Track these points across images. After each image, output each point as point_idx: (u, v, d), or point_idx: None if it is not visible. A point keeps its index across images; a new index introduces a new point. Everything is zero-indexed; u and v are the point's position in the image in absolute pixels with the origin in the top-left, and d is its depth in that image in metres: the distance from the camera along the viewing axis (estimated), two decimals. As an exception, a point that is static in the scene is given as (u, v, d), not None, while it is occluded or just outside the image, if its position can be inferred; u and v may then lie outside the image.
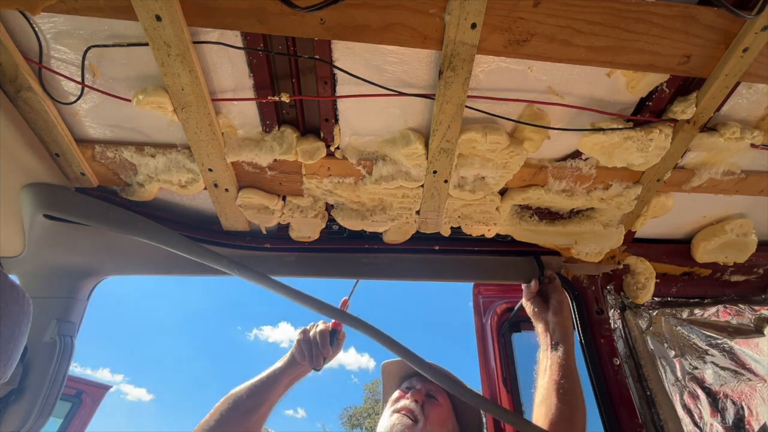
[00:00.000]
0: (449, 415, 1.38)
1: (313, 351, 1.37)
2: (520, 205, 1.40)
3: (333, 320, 1.42)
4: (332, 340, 1.40)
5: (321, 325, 1.42)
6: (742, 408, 1.44)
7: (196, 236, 1.39)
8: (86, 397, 4.13)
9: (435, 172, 1.19)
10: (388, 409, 1.39)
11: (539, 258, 1.50)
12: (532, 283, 1.44)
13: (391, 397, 1.44)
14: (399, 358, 1.49)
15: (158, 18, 0.86)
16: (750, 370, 1.48)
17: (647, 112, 1.15)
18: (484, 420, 1.47)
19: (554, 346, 1.28)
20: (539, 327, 1.37)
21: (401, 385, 1.48)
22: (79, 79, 1.00)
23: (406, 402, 1.35)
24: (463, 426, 1.41)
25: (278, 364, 1.37)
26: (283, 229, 1.42)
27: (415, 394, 1.37)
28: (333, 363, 1.58)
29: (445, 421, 1.35)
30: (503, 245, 1.52)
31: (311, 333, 1.40)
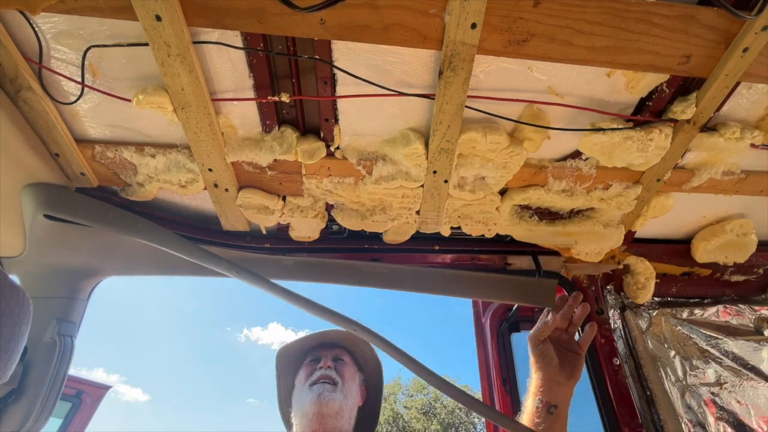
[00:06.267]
0: (355, 369, 1.50)
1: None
2: (520, 205, 1.40)
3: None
4: None
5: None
6: (747, 407, 1.44)
7: (195, 236, 1.39)
8: (86, 397, 4.12)
9: (435, 172, 1.19)
10: (302, 387, 1.41)
11: (537, 258, 1.50)
12: (557, 318, 1.23)
13: (297, 378, 1.48)
14: (292, 342, 1.56)
15: (158, 18, 0.86)
16: (752, 370, 1.48)
17: (647, 112, 1.15)
18: (380, 361, 1.56)
19: (550, 410, 1.16)
20: (539, 376, 1.21)
21: (303, 362, 1.51)
22: (79, 79, 1.00)
23: (320, 372, 1.40)
24: (365, 373, 1.54)
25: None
26: (283, 229, 1.42)
27: (326, 361, 1.44)
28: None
29: (355, 374, 1.48)
30: (503, 245, 1.52)
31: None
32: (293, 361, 1.54)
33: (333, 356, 1.48)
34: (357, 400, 1.44)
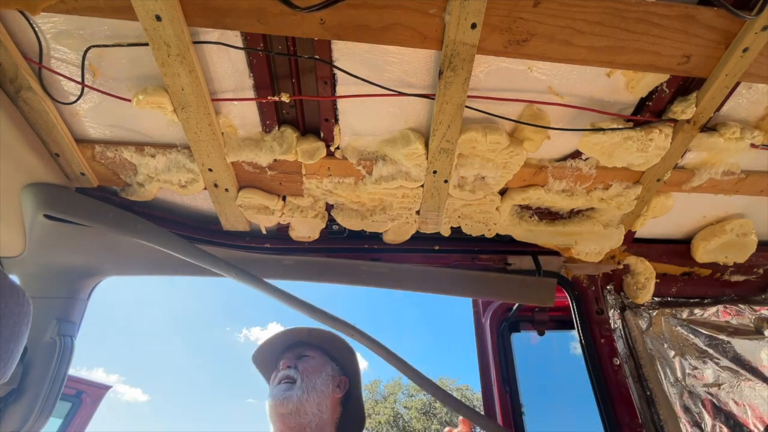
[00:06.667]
0: (324, 361, 1.48)
1: None
2: (520, 205, 1.40)
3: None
4: None
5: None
6: (744, 408, 1.44)
7: (195, 236, 1.39)
8: (86, 397, 4.12)
9: (435, 172, 1.19)
10: (270, 388, 1.44)
11: (537, 258, 1.50)
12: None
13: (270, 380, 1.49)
14: (260, 346, 1.54)
15: (158, 18, 0.86)
16: (751, 370, 1.48)
17: (647, 112, 1.15)
18: (351, 346, 1.54)
19: None
20: None
21: (276, 366, 1.52)
22: (79, 79, 1.00)
23: (280, 373, 1.42)
24: (339, 363, 1.52)
25: None
26: (283, 229, 1.42)
27: (286, 362, 1.44)
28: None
29: (322, 367, 1.44)
30: (503, 245, 1.52)
31: None
32: (270, 368, 1.55)
33: (295, 355, 1.47)
34: (330, 392, 1.41)
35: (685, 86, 1.10)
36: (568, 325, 2.06)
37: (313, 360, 1.45)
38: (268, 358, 1.55)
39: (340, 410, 1.43)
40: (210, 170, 1.19)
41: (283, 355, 1.50)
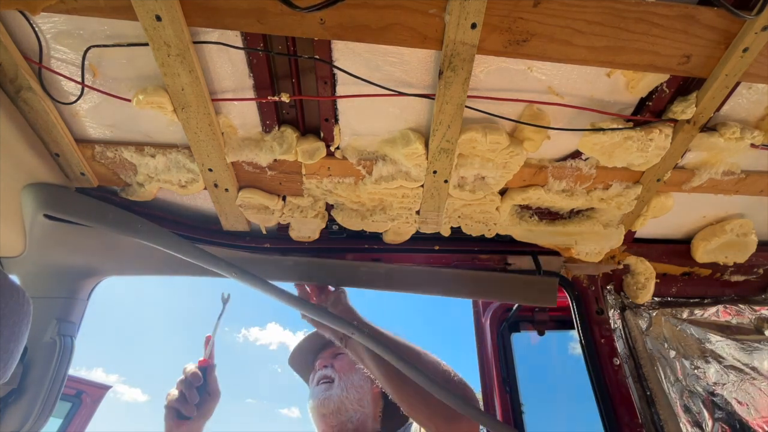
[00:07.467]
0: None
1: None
2: (520, 205, 1.40)
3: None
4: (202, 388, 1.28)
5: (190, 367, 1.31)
6: (747, 408, 1.44)
7: (195, 236, 1.39)
8: (86, 397, 4.13)
9: (435, 172, 1.19)
10: (310, 389, 1.44)
11: (537, 258, 1.50)
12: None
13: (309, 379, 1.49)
14: (296, 348, 1.56)
15: (158, 18, 0.86)
16: (754, 369, 1.48)
17: (647, 112, 1.15)
18: None
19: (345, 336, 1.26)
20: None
21: (314, 365, 1.52)
22: (79, 79, 1.00)
23: (318, 373, 1.43)
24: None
25: None
26: (283, 229, 1.42)
27: (322, 361, 1.45)
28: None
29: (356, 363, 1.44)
30: (503, 245, 1.52)
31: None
32: (308, 369, 1.54)
33: (331, 354, 1.47)
34: (369, 386, 1.40)
35: (685, 86, 1.10)
36: (568, 325, 2.06)
37: (348, 357, 1.42)
38: (305, 359, 1.55)
39: (382, 403, 1.41)
40: (210, 170, 1.19)
41: (319, 355, 1.50)
